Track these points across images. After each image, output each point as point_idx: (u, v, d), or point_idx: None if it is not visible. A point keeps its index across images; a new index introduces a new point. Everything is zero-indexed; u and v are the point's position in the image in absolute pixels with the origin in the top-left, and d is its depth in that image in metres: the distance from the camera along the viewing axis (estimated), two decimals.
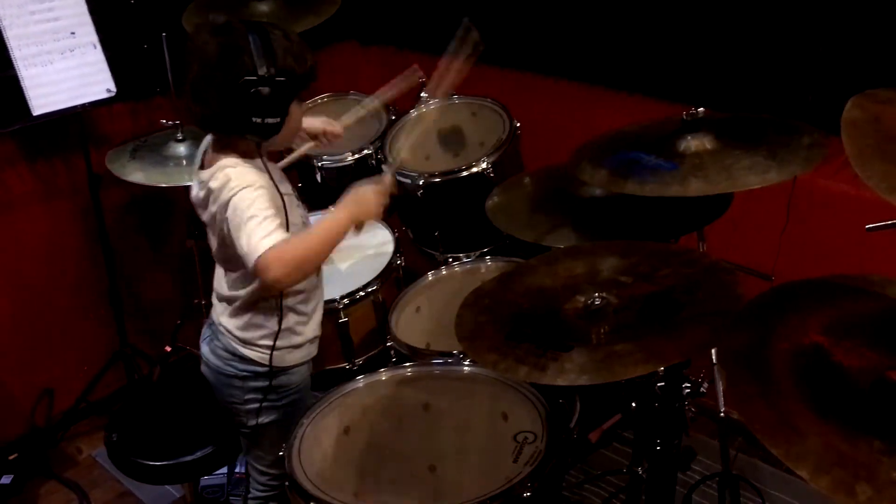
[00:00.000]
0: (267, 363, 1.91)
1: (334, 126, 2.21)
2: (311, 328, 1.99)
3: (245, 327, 1.90)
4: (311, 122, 2.16)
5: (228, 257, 1.84)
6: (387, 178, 1.89)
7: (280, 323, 1.87)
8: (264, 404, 1.95)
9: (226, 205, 1.71)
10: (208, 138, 1.88)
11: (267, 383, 1.93)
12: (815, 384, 1.13)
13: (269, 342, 1.89)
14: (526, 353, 1.41)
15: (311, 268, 1.81)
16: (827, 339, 1.19)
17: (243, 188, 1.71)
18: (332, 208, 1.82)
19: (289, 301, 1.90)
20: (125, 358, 3.05)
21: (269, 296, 1.85)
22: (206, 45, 1.71)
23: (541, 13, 2.94)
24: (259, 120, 1.69)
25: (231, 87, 1.67)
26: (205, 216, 1.84)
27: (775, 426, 1.08)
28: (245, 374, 1.93)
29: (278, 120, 1.72)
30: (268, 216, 1.68)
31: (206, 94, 1.72)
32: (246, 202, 1.69)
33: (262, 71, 1.67)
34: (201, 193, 1.82)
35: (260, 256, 1.63)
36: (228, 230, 1.72)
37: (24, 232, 2.89)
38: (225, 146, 1.80)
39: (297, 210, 1.89)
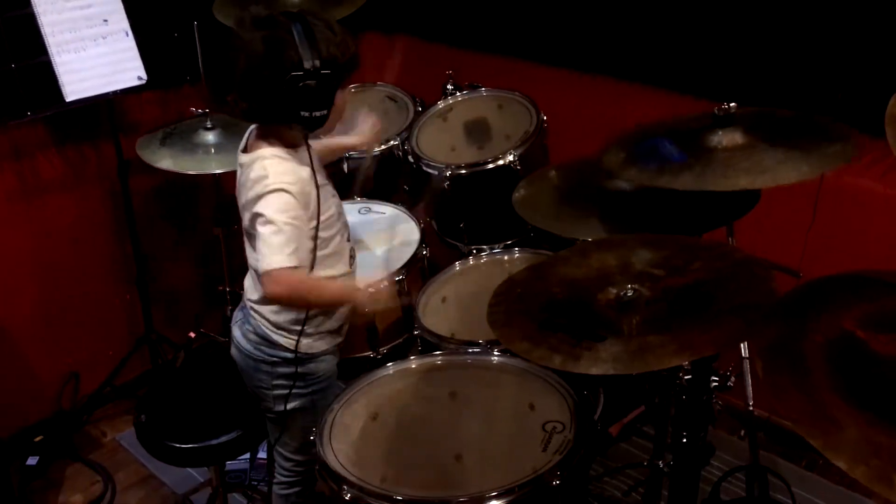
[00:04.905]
0: (294, 349, 1.93)
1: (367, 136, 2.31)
2: (342, 315, 2.01)
3: (278, 311, 1.93)
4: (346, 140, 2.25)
5: None
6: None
7: (307, 309, 1.90)
8: (292, 391, 1.97)
9: (257, 198, 1.75)
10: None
11: (294, 369, 1.96)
12: (850, 375, 1.14)
13: (299, 327, 1.92)
14: (560, 343, 1.42)
15: (304, 305, 1.88)
16: (862, 332, 1.20)
17: (276, 190, 1.74)
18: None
19: None
20: (150, 343, 3.09)
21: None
22: (251, 41, 1.73)
23: (568, 7, 2.95)
24: (307, 113, 1.73)
25: (278, 82, 1.70)
26: (241, 199, 1.87)
27: (812, 417, 1.09)
28: (274, 359, 1.96)
29: (326, 112, 1.75)
30: (291, 230, 1.73)
31: (255, 90, 1.74)
32: (276, 206, 1.74)
33: (307, 65, 1.69)
34: (241, 177, 1.84)
35: (274, 270, 1.72)
36: (253, 222, 1.77)
37: (53, 217, 2.92)
38: (269, 134, 1.82)
39: (331, 200, 1.92)
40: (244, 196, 1.83)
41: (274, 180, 1.75)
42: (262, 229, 1.75)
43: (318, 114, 1.74)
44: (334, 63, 1.74)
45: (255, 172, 1.78)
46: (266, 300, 1.93)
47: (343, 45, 1.77)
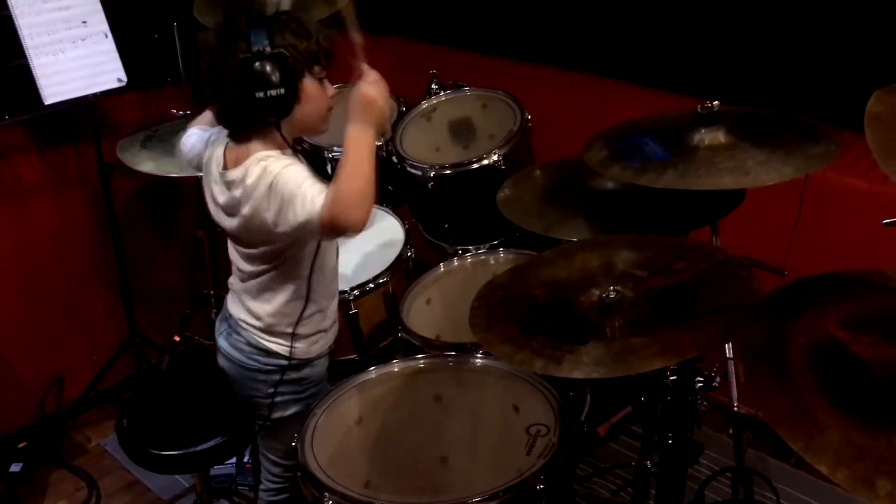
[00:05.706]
0: (290, 355, 1.90)
1: None
2: (332, 311, 1.99)
3: (272, 314, 1.89)
4: None
5: (277, 252, 1.81)
6: (368, 72, 1.77)
7: (308, 297, 1.85)
8: (288, 397, 1.95)
9: (268, 190, 1.67)
10: (219, 139, 1.84)
11: (291, 376, 1.93)
12: (833, 378, 1.12)
13: (292, 330, 1.89)
14: (541, 346, 1.41)
15: (372, 191, 1.67)
16: (844, 333, 1.19)
17: (283, 167, 1.69)
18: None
19: (314, 282, 1.87)
20: (134, 347, 3.06)
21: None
22: (206, 41, 1.73)
23: (553, 5, 2.93)
24: (262, 94, 1.64)
25: (231, 69, 1.65)
26: (234, 222, 1.79)
27: (794, 420, 1.08)
28: (269, 367, 1.92)
29: (283, 91, 1.65)
30: (312, 179, 1.66)
31: (217, 86, 1.72)
32: (288, 176, 1.67)
33: (257, 48, 1.64)
34: (236, 193, 1.75)
35: (323, 207, 1.60)
36: (276, 213, 1.67)
37: (34, 221, 2.89)
38: (256, 139, 1.76)
39: None
40: (242, 212, 1.74)
41: (276, 166, 1.69)
42: (287, 197, 1.64)
43: (274, 93, 1.65)
44: (291, 48, 1.68)
45: (253, 177, 1.70)
46: (255, 314, 1.89)
47: (301, 31, 1.71)
